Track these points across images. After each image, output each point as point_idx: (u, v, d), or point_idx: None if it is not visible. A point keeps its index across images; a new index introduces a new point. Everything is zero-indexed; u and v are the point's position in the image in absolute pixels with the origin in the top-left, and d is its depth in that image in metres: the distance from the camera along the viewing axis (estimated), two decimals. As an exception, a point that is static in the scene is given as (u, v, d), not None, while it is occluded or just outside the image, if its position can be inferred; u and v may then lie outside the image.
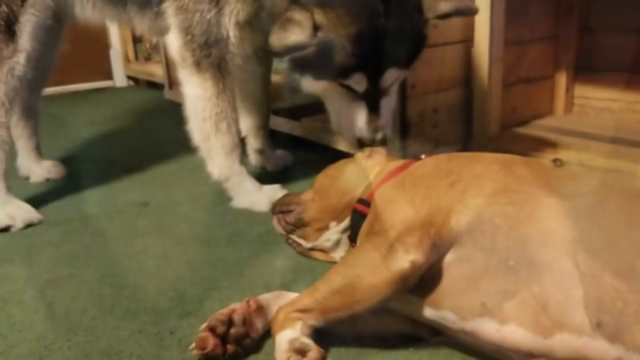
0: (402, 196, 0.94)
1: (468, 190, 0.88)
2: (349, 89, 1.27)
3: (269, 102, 1.86)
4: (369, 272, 0.83)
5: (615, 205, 0.81)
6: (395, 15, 1.20)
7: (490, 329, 0.79)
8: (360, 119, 1.29)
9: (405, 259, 0.82)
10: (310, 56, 1.21)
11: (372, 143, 1.26)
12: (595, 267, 0.75)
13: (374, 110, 1.28)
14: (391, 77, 1.26)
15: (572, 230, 0.79)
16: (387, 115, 1.31)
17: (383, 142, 1.28)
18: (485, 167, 0.92)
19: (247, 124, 1.87)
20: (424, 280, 0.85)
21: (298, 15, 1.16)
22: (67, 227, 1.48)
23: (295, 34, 1.15)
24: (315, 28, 1.18)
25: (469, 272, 0.83)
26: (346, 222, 1.09)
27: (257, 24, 1.43)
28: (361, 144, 1.28)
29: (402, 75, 1.31)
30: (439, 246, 0.84)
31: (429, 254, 0.83)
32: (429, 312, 0.86)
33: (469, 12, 1.34)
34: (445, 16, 1.25)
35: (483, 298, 0.80)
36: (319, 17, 1.18)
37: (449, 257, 0.85)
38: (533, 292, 0.77)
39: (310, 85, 1.29)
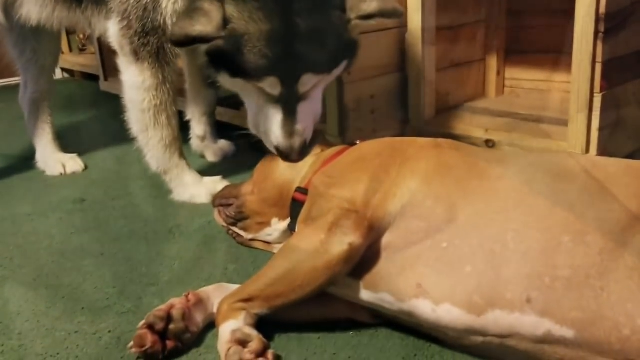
0: (338, 180, 0.96)
1: (402, 172, 0.91)
2: (264, 90, 1.15)
3: (216, 91, 1.83)
4: (310, 256, 0.85)
5: (541, 185, 0.84)
6: (314, 14, 1.10)
7: (426, 309, 0.82)
8: (275, 124, 1.16)
9: (344, 242, 0.84)
10: (223, 51, 1.11)
11: (289, 151, 1.13)
12: (524, 245, 0.78)
13: (290, 115, 1.15)
14: (309, 82, 1.13)
15: (501, 210, 0.82)
16: (306, 121, 1.16)
17: (302, 152, 1.14)
18: (417, 150, 0.95)
19: (192, 108, 1.85)
20: (362, 263, 0.87)
21: (208, 5, 1.08)
22: (-2, 228, 1.44)
23: (201, 24, 1.06)
24: (226, 21, 1.08)
25: (404, 254, 0.85)
26: (288, 221, 1.09)
27: None
28: (278, 151, 1.15)
29: (323, 80, 1.18)
30: (375, 228, 0.87)
31: (366, 236, 0.86)
32: (367, 295, 0.88)
33: (394, 15, 1.22)
34: (369, 17, 1.16)
35: (418, 279, 0.83)
36: (231, 9, 1.08)
37: (385, 239, 0.87)
38: (465, 272, 0.80)
39: (227, 82, 1.20)
